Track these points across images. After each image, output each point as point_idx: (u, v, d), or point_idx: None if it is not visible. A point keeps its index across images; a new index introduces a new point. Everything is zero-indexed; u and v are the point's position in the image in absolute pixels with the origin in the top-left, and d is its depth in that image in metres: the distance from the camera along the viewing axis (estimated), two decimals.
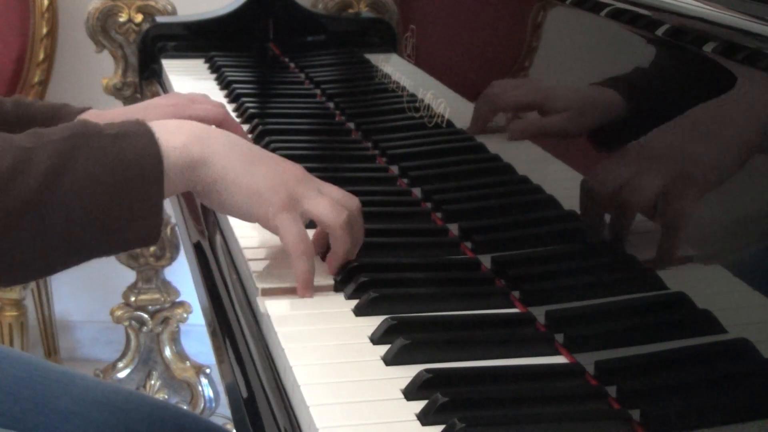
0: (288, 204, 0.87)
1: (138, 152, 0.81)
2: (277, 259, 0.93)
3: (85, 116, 1.18)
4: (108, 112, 1.20)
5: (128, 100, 1.96)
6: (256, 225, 0.91)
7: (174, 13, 1.94)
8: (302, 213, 0.88)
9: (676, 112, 0.77)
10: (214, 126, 0.92)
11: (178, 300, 2.12)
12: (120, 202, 0.80)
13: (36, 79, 2.25)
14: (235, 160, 0.86)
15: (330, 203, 0.89)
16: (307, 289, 0.87)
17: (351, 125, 1.36)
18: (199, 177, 0.85)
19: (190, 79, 1.60)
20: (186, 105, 1.24)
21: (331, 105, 1.45)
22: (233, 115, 1.40)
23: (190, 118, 1.22)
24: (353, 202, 0.91)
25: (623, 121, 0.84)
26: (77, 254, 0.83)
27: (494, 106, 1.05)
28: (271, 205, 0.86)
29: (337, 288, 0.90)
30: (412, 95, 1.24)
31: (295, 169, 0.90)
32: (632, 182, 0.80)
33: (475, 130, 1.06)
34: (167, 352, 2.11)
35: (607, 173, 0.83)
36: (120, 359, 2.13)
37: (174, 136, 0.84)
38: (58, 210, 0.79)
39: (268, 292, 0.88)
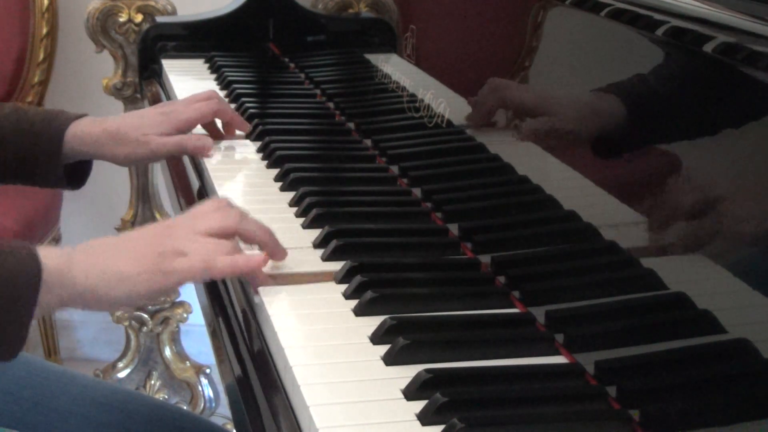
0: (168, 259, 0.86)
1: (17, 268, 0.81)
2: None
3: (82, 122, 1.18)
4: (103, 120, 1.20)
5: (128, 100, 1.96)
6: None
7: (174, 13, 1.94)
8: (199, 232, 0.87)
9: (676, 111, 0.77)
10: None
11: (178, 300, 2.11)
12: None
13: (36, 79, 2.25)
14: (102, 261, 0.86)
15: (204, 242, 0.87)
16: (256, 261, 0.87)
17: (351, 125, 1.36)
18: (78, 291, 0.85)
19: (190, 79, 1.60)
20: (179, 110, 1.24)
21: (331, 105, 1.45)
22: None
23: (186, 121, 1.23)
24: (230, 218, 0.90)
25: (623, 121, 0.84)
26: None
27: (498, 99, 1.04)
28: (154, 274, 0.85)
29: (338, 280, 0.90)
30: (412, 95, 1.24)
31: (157, 228, 0.90)
32: (632, 182, 0.80)
33: (475, 120, 1.06)
34: (167, 352, 2.11)
35: (608, 173, 0.83)
36: (120, 359, 2.12)
37: (50, 258, 0.84)
38: None
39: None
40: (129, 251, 0.86)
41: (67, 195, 2.17)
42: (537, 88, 0.99)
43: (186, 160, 1.28)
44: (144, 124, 1.20)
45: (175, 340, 2.12)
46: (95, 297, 0.85)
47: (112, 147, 1.19)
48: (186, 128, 1.25)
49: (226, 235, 0.89)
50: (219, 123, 1.31)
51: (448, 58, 1.23)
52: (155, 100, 1.61)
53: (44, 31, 2.24)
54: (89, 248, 0.87)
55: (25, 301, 0.81)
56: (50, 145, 1.17)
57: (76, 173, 1.23)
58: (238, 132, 1.31)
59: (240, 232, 0.90)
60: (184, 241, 0.87)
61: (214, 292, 0.96)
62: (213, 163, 1.21)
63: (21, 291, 0.81)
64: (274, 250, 0.91)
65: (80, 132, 1.18)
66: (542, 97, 0.97)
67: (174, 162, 1.31)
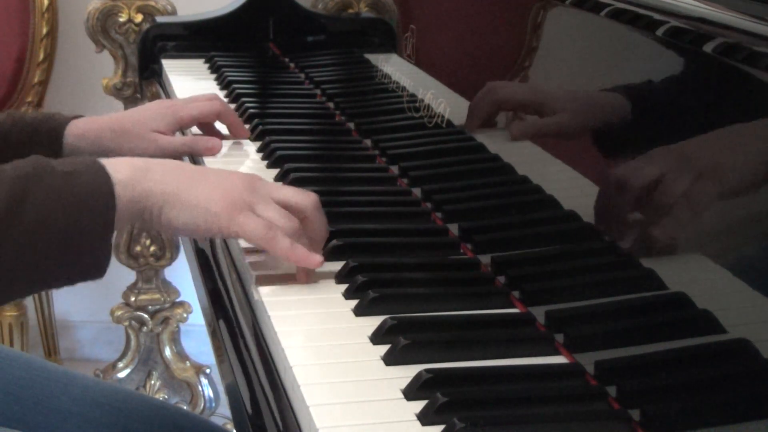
0: (238, 209, 0.87)
1: (90, 190, 0.83)
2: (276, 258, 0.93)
3: (81, 120, 1.18)
4: (103, 117, 1.20)
5: (128, 100, 1.96)
6: None
7: (174, 13, 1.94)
8: (272, 198, 0.89)
9: (676, 111, 0.77)
10: (164, 160, 0.93)
11: (178, 300, 2.11)
12: (71, 240, 0.82)
13: (36, 79, 2.25)
14: (175, 182, 0.87)
15: (277, 211, 0.89)
16: (306, 258, 0.87)
17: (351, 125, 1.36)
18: (145, 207, 0.87)
19: (190, 79, 1.60)
20: (182, 107, 1.24)
21: (331, 105, 1.45)
22: None
23: (189, 118, 1.23)
24: (308, 200, 0.91)
25: (623, 121, 0.84)
26: (25, 288, 0.86)
27: (492, 103, 1.04)
28: (220, 215, 0.87)
29: (338, 280, 0.90)
30: (412, 95, 1.24)
31: (242, 179, 0.91)
32: (632, 182, 0.80)
33: (471, 126, 1.06)
34: (167, 352, 2.11)
35: (608, 173, 0.83)
36: (120, 359, 2.12)
37: (119, 172, 0.85)
38: (11, 247, 0.80)
39: (263, 281, 0.89)
40: (206, 184, 0.88)
41: None
42: (533, 86, 0.99)
43: (185, 160, 1.28)
44: (146, 118, 1.21)
45: (175, 340, 2.12)
46: (158, 218, 0.87)
47: (115, 142, 1.19)
48: (187, 125, 1.25)
49: (298, 212, 0.90)
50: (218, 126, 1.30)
51: (448, 58, 1.23)
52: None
53: (44, 31, 2.24)
54: (165, 165, 0.89)
55: (104, 223, 0.83)
56: (50, 143, 1.17)
57: None
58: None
59: (309, 219, 0.90)
60: (260, 200, 0.89)
61: (214, 292, 0.96)
62: (213, 163, 1.21)
63: (97, 215, 0.83)
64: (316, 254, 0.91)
65: (81, 128, 1.18)
66: (539, 95, 0.97)
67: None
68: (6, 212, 0.80)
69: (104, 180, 0.84)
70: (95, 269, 0.84)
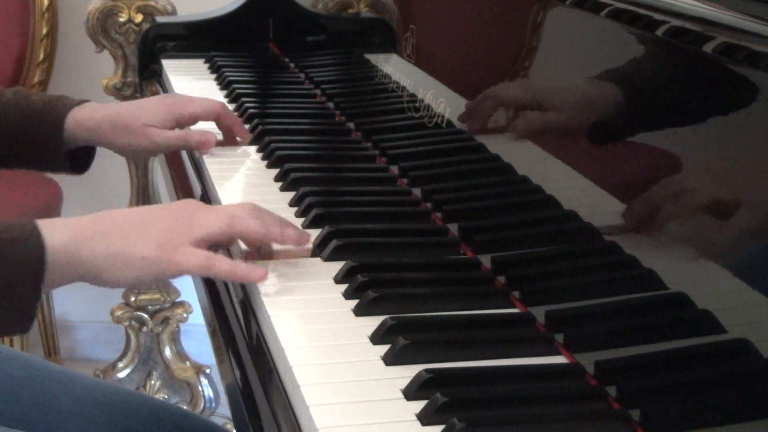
0: (172, 247, 0.88)
1: (22, 258, 0.84)
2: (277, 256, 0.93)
3: (83, 108, 1.19)
4: (105, 107, 1.20)
5: (128, 100, 1.96)
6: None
7: (174, 13, 1.94)
8: (195, 241, 0.89)
9: (675, 111, 0.77)
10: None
11: (178, 300, 2.11)
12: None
13: (36, 79, 2.25)
14: (109, 243, 0.88)
15: (211, 220, 0.90)
16: (248, 274, 0.89)
17: (351, 125, 1.36)
18: (85, 272, 0.87)
19: (190, 79, 1.60)
20: (183, 103, 1.24)
21: (331, 105, 1.45)
22: None
23: (188, 115, 1.23)
24: (244, 205, 0.93)
25: (623, 121, 0.84)
26: None
27: (494, 103, 1.04)
28: (159, 260, 0.88)
29: (338, 280, 0.90)
30: (412, 95, 1.24)
31: (170, 214, 0.91)
32: (632, 182, 0.80)
33: (473, 127, 1.06)
34: (167, 352, 2.11)
35: (608, 173, 0.83)
36: (120, 359, 2.12)
37: (56, 236, 0.86)
38: None
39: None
40: (138, 233, 0.89)
41: (67, 195, 2.18)
42: (533, 85, 0.99)
43: (186, 160, 1.28)
44: (145, 113, 1.21)
45: (175, 340, 2.12)
46: (100, 278, 0.88)
47: (112, 134, 1.19)
48: (187, 122, 1.25)
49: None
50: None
51: (448, 58, 1.23)
52: None
53: (44, 31, 2.24)
54: (96, 225, 0.89)
55: (32, 288, 0.84)
56: (52, 130, 1.18)
57: (80, 159, 1.23)
58: (238, 139, 1.30)
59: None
60: (192, 225, 0.90)
61: (214, 292, 0.96)
62: (213, 163, 1.21)
63: (26, 280, 0.84)
64: (291, 240, 0.94)
65: (81, 118, 1.18)
66: (543, 96, 0.97)
67: (174, 162, 1.31)
68: None
69: (38, 249, 0.84)
70: (19, 326, 0.86)
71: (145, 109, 1.22)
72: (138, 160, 2.00)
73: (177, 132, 1.23)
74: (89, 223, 0.89)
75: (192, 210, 0.92)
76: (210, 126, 1.27)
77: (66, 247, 0.86)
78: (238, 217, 0.91)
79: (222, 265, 0.88)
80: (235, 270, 0.89)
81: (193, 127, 1.27)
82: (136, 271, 0.88)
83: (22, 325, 0.86)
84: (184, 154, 1.29)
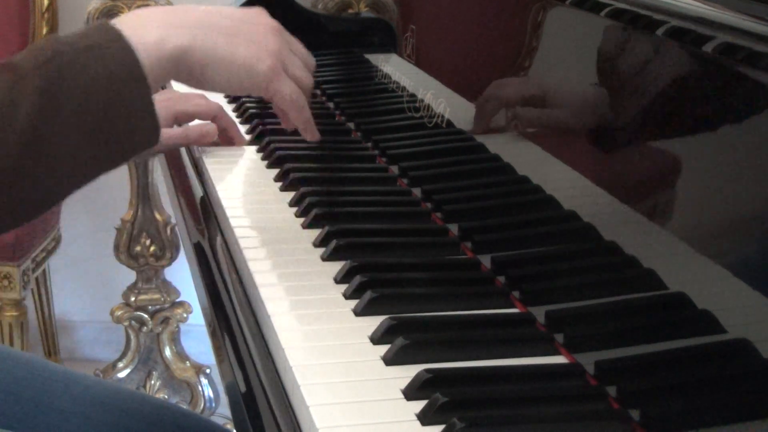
0: (276, 71, 0.94)
1: (116, 62, 0.81)
2: (278, 257, 0.93)
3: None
4: None
5: None
6: (257, 225, 0.90)
7: None
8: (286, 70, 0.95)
9: (675, 112, 0.77)
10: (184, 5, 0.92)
11: (178, 300, 2.12)
12: (114, 115, 0.80)
13: None
14: (215, 38, 0.88)
15: (301, 70, 0.98)
16: (313, 133, 1.03)
17: (351, 125, 1.36)
18: (182, 65, 0.87)
19: None
20: (180, 100, 1.24)
21: (331, 105, 1.45)
22: (233, 115, 1.40)
23: (185, 113, 1.23)
24: (311, 58, 1.03)
25: (623, 120, 0.84)
26: (85, 174, 0.83)
27: (497, 103, 1.04)
28: (260, 75, 0.92)
29: (338, 280, 0.90)
30: (412, 95, 1.24)
31: (272, 31, 0.96)
32: (632, 182, 0.80)
33: (477, 129, 1.06)
34: (167, 352, 2.11)
35: (608, 173, 0.84)
36: (120, 359, 2.13)
37: (146, 32, 0.84)
38: (57, 136, 0.78)
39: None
40: (243, 39, 0.92)
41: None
42: (538, 86, 0.99)
43: (186, 160, 1.28)
44: None
45: (175, 340, 2.12)
46: (199, 77, 0.90)
47: None
48: (184, 120, 1.25)
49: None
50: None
51: (448, 58, 1.23)
52: None
53: (44, 31, 2.24)
54: (199, 20, 0.89)
55: (139, 94, 0.82)
56: None
57: None
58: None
59: (307, 91, 1.00)
60: (289, 56, 0.98)
61: (214, 292, 0.96)
62: (213, 163, 1.21)
63: (129, 89, 0.81)
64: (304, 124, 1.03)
65: None
66: (544, 96, 0.97)
67: (174, 162, 1.31)
68: (41, 107, 0.77)
69: (125, 50, 0.81)
70: (147, 134, 0.83)
71: None
72: (138, 160, 2.00)
73: (177, 129, 1.22)
74: (187, 13, 0.88)
75: (284, 33, 0.99)
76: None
77: (158, 41, 0.84)
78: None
79: (307, 112, 0.99)
80: (310, 123, 1.00)
81: (191, 123, 1.27)
82: (239, 77, 0.91)
83: (152, 134, 0.83)
84: (184, 154, 1.29)
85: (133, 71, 0.81)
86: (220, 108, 1.27)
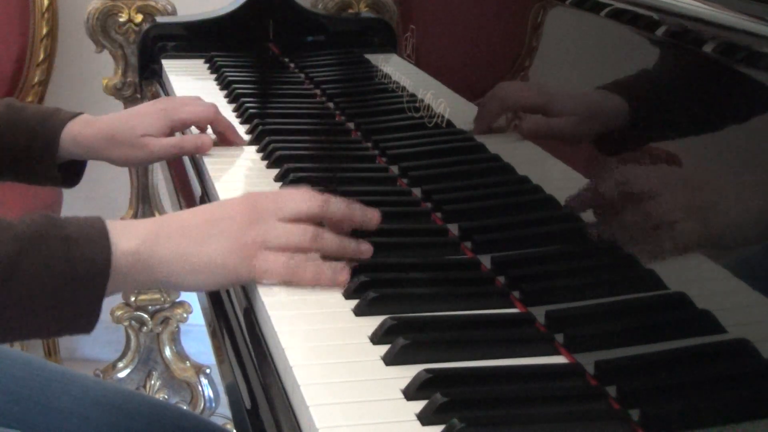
0: (252, 253, 0.86)
1: (88, 258, 0.81)
2: None
3: (77, 122, 1.18)
4: (98, 120, 1.20)
5: (128, 100, 1.96)
6: None
7: (174, 13, 1.94)
8: (271, 247, 0.87)
9: (675, 112, 0.77)
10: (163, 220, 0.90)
11: (178, 300, 2.11)
12: (61, 306, 0.81)
13: (36, 79, 2.25)
14: (184, 246, 0.85)
15: (287, 232, 0.88)
16: (334, 280, 0.88)
17: (351, 125, 1.36)
18: (157, 277, 0.85)
19: (190, 79, 1.60)
20: (176, 109, 1.24)
21: (331, 105, 1.45)
22: (233, 115, 1.40)
23: (181, 121, 1.23)
24: (313, 204, 0.90)
25: (623, 121, 0.84)
26: (8, 337, 0.85)
27: (500, 107, 1.04)
28: (237, 268, 0.86)
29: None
30: (412, 95, 1.24)
31: (243, 213, 0.88)
32: (632, 182, 0.80)
33: (479, 130, 1.06)
34: (167, 352, 2.11)
35: (609, 174, 0.83)
36: (120, 359, 2.13)
37: (127, 240, 0.83)
38: (2, 303, 0.80)
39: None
40: (213, 237, 0.86)
41: (67, 195, 2.18)
42: (539, 88, 0.99)
43: (186, 160, 1.28)
44: (141, 123, 1.20)
45: (175, 340, 2.12)
46: (175, 285, 0.86)
47: (107, 150, 1.19)
48: (180, 128, 1.25)
49: (311, 219, 0.89)
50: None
51: (448, 58, 1.23)
52: None
53: (44, 31, 2.24)
54: (168, 229, 0.86)
55: (94, 291, 0.82)
56: (46, 146, 1.17)
57: (71, 171, 1.24)
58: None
59: (326, 216, 0.90)
60: (268, 230, 0.87)
61: (214, 292, 0.96)
62: (213, 164, 1.21)
63: (89, 284, 0.81)
64: (364, 220, 0.93)
65: (75, 134, 1.18)
66: (545, 97, 0.97)
67: (174, 162, 1.31)
68: (1, 272, 0.79)
69: (104, 251, 0.82)
70: (82, 329, 0.84)
71: (140, 118, 1.21)
72: (138, 168, 2.00)
73: (171, 140, 1.22)
74: (163, 228, 0.86)
75: (268, 201, 0.89)
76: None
77: (136, 252, 0.83)
78: (327, 197, 0.90)
79: (308, 271, 0.87)
80: (320, 276, 0.87)
81: (188, 131, 1.27)
82: (215, 278, 0.86)
83: (85, 327, 0.83)
84: (186, 157, 1.29)
85: (98, 276, 0.82)
86: (216, 112, 1.26)
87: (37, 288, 0.80)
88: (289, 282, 0.87)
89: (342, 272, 0.88)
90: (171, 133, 1.23)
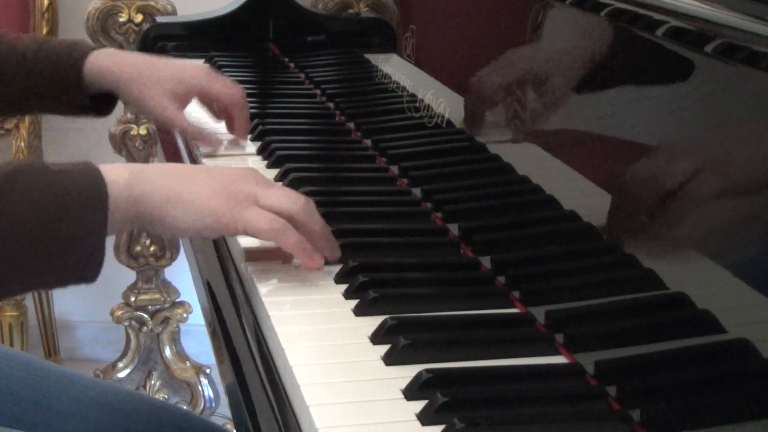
0: (242, 203, 0.85)
1: (82, 183, 0.79)
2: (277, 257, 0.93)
3: (96, 60, 1.18)
4: (126, 56, 1.20)
5: None
6: None
7: (174, 13, 1.94)
8: (267, 207, 0.86)
9: (675, 111, 0.77)
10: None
11: (178, 300, 2.11)
12: (60, 236, 0.77)
13: None
14: (174, 183, 0.85)
15: (283, 192, 0.88)
16: (311, 257, 0.87)
17: (351, 125, 1.36)
18: (144, 211, 0.84)
19: None
20: (208, 76, 1.23)
21: (331, 105, 1.45)
22: None
23: (207, 93, 1.22)
24: (297, 205, 0.88)
25: (623, 120, 0.84)
26: (15, 285, 0.81)
27: (484, 94, 1.04)
28: (224, 212, 0.85)
29: (338, 280, 0.90)
30: (412, 95, 1.24)
31: (240, 171, 0.89)
32: (633, 182, 0.80)
33: (472, 125, 1.06)
34: (167, 352, 2.11)
35: (609, 173, 0.84)
36: (120, 359, 2.13)
37: (115, 174, 0.82)
38: None
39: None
40: (205, 181, 0.85)
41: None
42: (529, 71, 0.99)
43: (186, 160, 1.28)
44: (167, 77, 1.19)
45: (175, 340, 2.12)
46: (160, 221, 0.84)
47: (128, 92, 1.19)
48: (201, 97, 1.25)
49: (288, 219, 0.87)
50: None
51: (448, 58, 1.23)
52: None
53: (44, 31, 2.24)
54: (161, 167, 0.86)
55: (96, 221, 0.79)
56: (72, 74, 1.17)
57: (103, 102, 1.23)
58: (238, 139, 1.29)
59: (305, 221, 0.88)
60: (262, 188, 0.87)
61: (214, 292, 0.96)
62: (212, 162, 1.21)
63: (89, 213, 0.79)
64: (331, 247, 0.91)
65: (102, 66, 1.18)
66: (542, 91, 0.97)
67: (173, 162, 1.31)
68: None
69: (97, 179, 0.80)
70: (87, 271, 0.80)
71: (168, 73, 1.20)
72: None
73: (192, 126, 1.22)
74: (151, 167, 0.85)
75: (263, 177, 0.89)
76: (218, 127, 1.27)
77: (127, 183, 0.82)
78: (311, 206, 0.88)
79: (292, 236, 0.85)
80: (302, 248, 0.86)
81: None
82: (201, 218, 0.84)
83: (90, 270, 0.79)
84: (184, 154, 1.29)
85: (96, 197, 0.80)
86: (242, 100, 1.25)
87: (30, 221, 0.76)
88: (274, 237, 0.85)
89: (320, 259, 0.88)
90: (189, 98, 1.23)
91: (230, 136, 1.27)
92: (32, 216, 0.77)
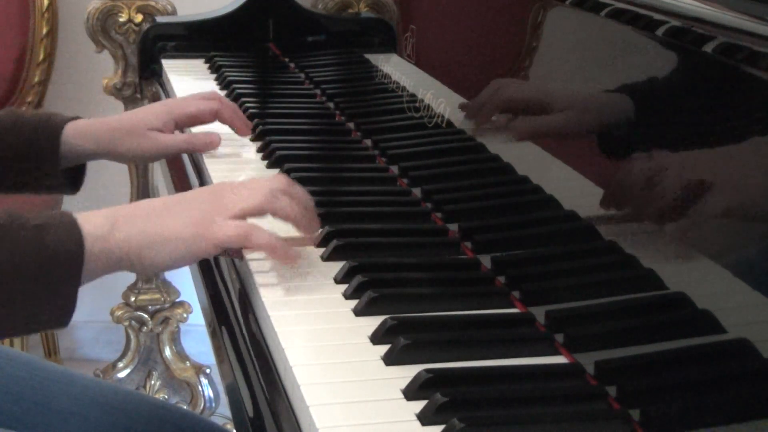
0: (210, 224, 0.87)
1: (60, 237, 0.82)
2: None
3: (80, 120, 1.18)
4: (102, 118, 1.20)
5: (128, 100, 1.96)
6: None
7: (174, 13, 1.94)
8: (231, 216, 0.88)
9: (675, 111, 0.77)
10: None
11: (178, 300, 2.11)
12: (37, 292, 0.81)
13: (36, 79, 2.25)
14: (143, 224, 0.86)
15: (248, 192, 0.90)
16: (282, 256, 0.90)
17: (351, 125, 1.36)
18: (122, 257, 0.85)
19: (190, 79, 1.60)
20: (179, 104, 1.23)
21: (331, 105, 1.45)
22: None
23: (186, 115, 1.22)
24: (278, 179, 0.92)
25: (623, 121, 0.84)
26: None
27: (499, 100, 1.04)
28: (196, 237, 0.86)
29: (338, 280, 0.90)
30: (412, 95, 1.24)
31: (206, 192, 0.91)
32: (632, 181, 0.80)
33: (476, 121, 1.06)
34: (167, 352, 2.11)
35: (609, 173, 0.83)
36: (120, 359, 2.12)
37: (93, 225, 0.84)
38: None
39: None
40: (172, 214, 0.87)
41: (67, 196, 2.18)
42: (538, 87, 0.99)
43: (186, 160, 1.28)
44: (143, 118, 1.20)
45: (175, 340, 2.12)
46: (138, 260, 0.86)
47: (113, 141, 1.18)
48: (186, 123, 1.24)
49: (258, 213, 0.90)
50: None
51: (448, 58, 1.23)
52: (155, 100, 1.61)
53: (44, 31, 2.24)
54: (131, 210, 0.88)
55: (71, 276, 0.82)
56: (49, 144, 1.17)
57: (73, 177, 1.23)
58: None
59: (266, 210, 0.90)
60: (228, 201, 0.89)
61: (215, 292, 0.96)
62: (213, 164, 1.21)
63: (65, 267, 0.81)
64: (306, 227, 0.93)
65: (79, 128, 1.17)
66: (544, 95, 0.97)
67: (174, 162, 1.31)
68: None
69: (74, 234, 0.83)
70: (59, 319, 0.83)
71: (143, 115, 1.21)
72: (140, 164, 2.00)
73: (181, 136, 1.22)
74: (125, 210, 0.87)
75: (226, 188, 0.91)
76: (214, 126, 1.27)
77: (103, 234, 0.84)
78: (275, 194, 0.90)
79: (261, 237, 0.87)
80: (275, 244, 0.88)
81: (195, 129, 1.27)
82: (176, 250, 0.86)
83: (61, 319, 0.83)
84: (184, 154, 1.29)
85: (72, 256, 0.82)
86: (220, 102, 1.25)
87: (8, 275, 0.79)
88: (244, 242, 0.87)
89: (291, 250, 0.90)
90: (178, 130, 1.23)
91: (227, 130, 1.27)
92: (9, 270, 0.80)
